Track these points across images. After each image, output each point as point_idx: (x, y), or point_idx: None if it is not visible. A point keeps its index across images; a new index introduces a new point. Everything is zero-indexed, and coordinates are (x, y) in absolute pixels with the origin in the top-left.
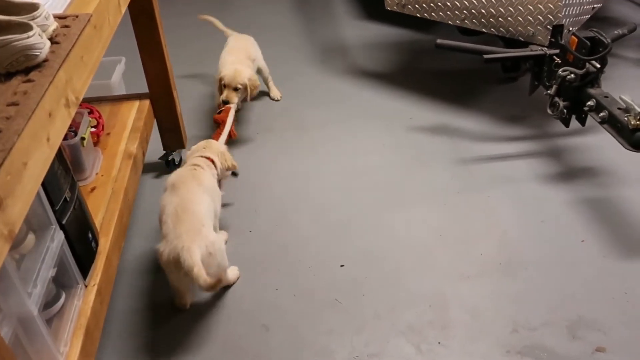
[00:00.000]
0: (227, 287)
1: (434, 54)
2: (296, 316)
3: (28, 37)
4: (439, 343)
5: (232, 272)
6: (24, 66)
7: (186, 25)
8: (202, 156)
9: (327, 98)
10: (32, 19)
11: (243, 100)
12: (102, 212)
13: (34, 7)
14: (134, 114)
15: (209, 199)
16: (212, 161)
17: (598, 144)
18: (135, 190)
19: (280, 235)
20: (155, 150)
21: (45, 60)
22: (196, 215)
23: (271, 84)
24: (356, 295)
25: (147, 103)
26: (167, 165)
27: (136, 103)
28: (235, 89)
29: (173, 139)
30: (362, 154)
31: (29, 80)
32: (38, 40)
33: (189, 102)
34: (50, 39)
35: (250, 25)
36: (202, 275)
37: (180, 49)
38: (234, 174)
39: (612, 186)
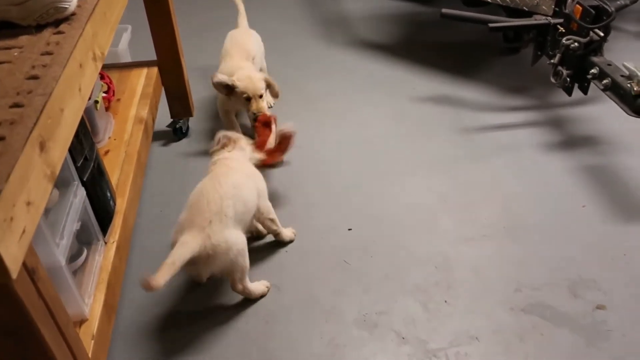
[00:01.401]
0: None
1: (436, 26)
2: (306, 277)
3: None
4: (445, 302)
5: (256, 287)
6: (54, 18)
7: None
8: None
9: (330, 70)
10: None
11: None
12: (117, 174)
13: None
14: (142, 80)
15: (250, 184)
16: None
17: (600, 114)
18: (146, 154)
19: (289, 200)
20: (163, 119)
21: (73, 14)
22: (214, 204)
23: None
24: (364, 257)
25: (155, 70)
26: (175, 133)
27: (144, 70)
28: (261, 96)
29: (181, 107)
30: (366, 123)
31: (59, 32)
32: None
33: (195, 71)
34: None
35: (248, 1)
36: (160, 275)
37: (187, 19)
38: None
39: (613, 154)
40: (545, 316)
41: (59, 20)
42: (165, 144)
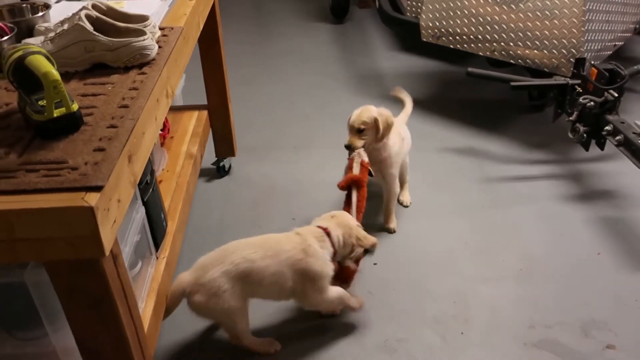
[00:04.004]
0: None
1: (464, 84)
2: None
3: (144, 40)
4: (461, 333)
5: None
6: (139, 62)
7: (241, 52)
8: (318, 226)
9: None
10: (144, 27)
11: (377, 140)
12: (169, 201)
13: (144, 18)
14: (194, 122)
15: (272, 267)
16: (328, 233)
17: (617, 170)
18: (194, 186)
19: None
20: (209, 158)
21: (153, 60)
22: (220, 257)
23: (405, 186)
24: (387, 289)
25: (205, 113)
26: (219, 170)
27: (196, 113)
28: (359, 130)
29: (225, 147)
30: None
31: (142, 73)
32: (150, 43)
33: (240, 116)
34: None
35: (290, 56)
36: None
37: (235, 70)
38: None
39: (628, 208)
40: (556, 352)
41: (142, 64)
42: (209, 180)
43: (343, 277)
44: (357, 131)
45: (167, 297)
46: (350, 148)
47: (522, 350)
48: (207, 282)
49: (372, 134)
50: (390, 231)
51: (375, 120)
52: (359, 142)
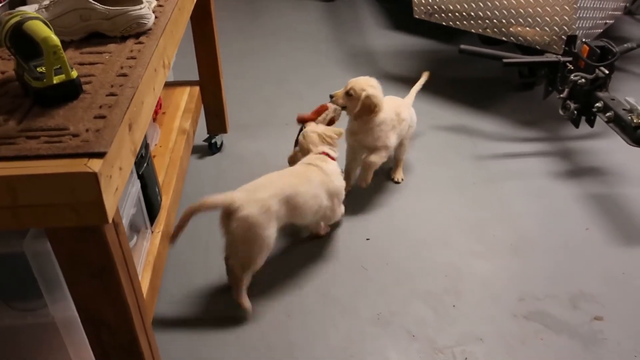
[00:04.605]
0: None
1: (456, 62)
2: (326, 279)
3: (140, 9)
4: (453, 306)
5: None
6: (135, 32)
7: (231, 29)
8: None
9: None
10: None
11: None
12: (163, 176)
13: None
14: (185, 97)
15: (311, 190)
16: (327, 154)
17: (605, 148)
18: (187, 161)
19: None
20: (200, 135)
21: (150, 29)
22: (265, 184)
23: (400, 164)
24: (380, 264)
25: (197, 89)
26: (210, 147)
27: (187, 89)
28: (348, 93)
29: (217, 123)
30: None
31: (139, 43)
32: (147, 12)
33: (231, 93)
34: None
35: (282, 33)
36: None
37: (225, 47)
38: None
39: (616, 184)
40: (546, 323)
41: (139, 33)
42: (201, 157)
43: None
44: (346, 92)
45: (189, 208)
46: (331, 98)
47: (512, 322)
48: (259, 200)
49: (353, 105)
50: (362, 185)
51: (360, 97)
52: (341, 101)
